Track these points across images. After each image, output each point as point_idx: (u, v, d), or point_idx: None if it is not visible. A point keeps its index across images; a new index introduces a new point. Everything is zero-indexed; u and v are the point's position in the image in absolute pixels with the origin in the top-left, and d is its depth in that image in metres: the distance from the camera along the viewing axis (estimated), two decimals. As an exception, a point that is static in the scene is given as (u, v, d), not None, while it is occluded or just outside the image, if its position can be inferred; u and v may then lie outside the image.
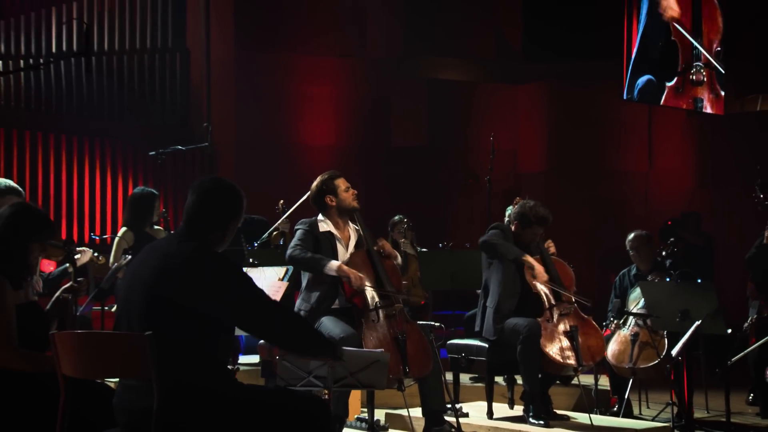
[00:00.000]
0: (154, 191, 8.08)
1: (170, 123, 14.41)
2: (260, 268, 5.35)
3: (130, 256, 6.87)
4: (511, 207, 7.59)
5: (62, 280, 6.32)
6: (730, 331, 6.94)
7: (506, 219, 7.37)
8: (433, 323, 6.32)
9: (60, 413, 3.77)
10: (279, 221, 8.35)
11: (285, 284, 5.07)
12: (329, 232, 6.03)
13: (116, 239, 7.62)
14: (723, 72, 13.78)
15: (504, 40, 16.52)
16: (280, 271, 5.20)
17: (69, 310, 4.71)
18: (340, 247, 6.07)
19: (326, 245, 5.96)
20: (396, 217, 9.07)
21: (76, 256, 6.35)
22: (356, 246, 6.11)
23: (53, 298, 4.68)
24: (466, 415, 6.66)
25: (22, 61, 13.19)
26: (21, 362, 4.12)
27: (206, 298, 3.68)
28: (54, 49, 13.47)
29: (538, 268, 6.59)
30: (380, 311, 5.72)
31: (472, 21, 16.35)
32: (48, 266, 7.39)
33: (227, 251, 7.73)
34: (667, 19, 13.01)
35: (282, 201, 8.50)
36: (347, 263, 5.85)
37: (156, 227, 7.88)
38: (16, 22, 13.21)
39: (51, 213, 13.09)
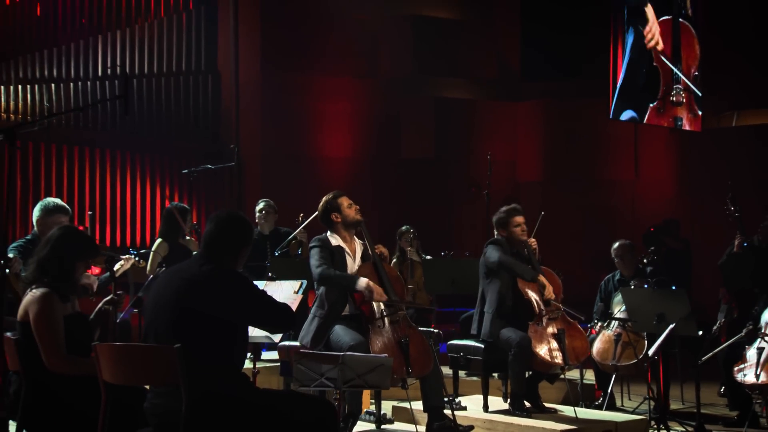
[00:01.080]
0: (186, 206, 8.08)
1: (203, 138, 14.50)
2: (278, 282, 5.33)
3: (164, 267, 6.90)
4: None
5: (109, 284, 6.23)
6: (701, 333, 6.94)
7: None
8: (432, 330, 6.31)
9: (101, 413, 3.87)
10: (296, 231, 8.33)
11: (300, 297, 5.09)
12: (339, 246, 6.03)
13: (152, 250, 7.65)
14: (700, 94, 13.77)
15: (504, 62, 16.52)
16: (295, 284, 5.19)
17: (110, 320, 4.81)
18: (348, 259, 6.07)
19: (338, 258, 5.96)
20: (403, 227, 9.05)
21: (117, 265, 6.47)
22: (363, 258, 6.12)
23: (96, 309, 4.73)
24: (465, 408, 6.66)
25: (72, 84, 13.35)
26: (68, 367, 4.21)
27: (223, 304, 3.83)
28: (100, 73, 13.57)
29: (549, 288, 6.60)
30: (385, 318, 5.75)
31: (474, 45, 16.33)
32: (94, 270, 7.56)
33: (252, 266, 7.85)
34: (650, 47, 13.05)
35: (302, 214, 8.43)
36: (356, 274, 5.90)
37: (188, 238, 7.87)
38: (66, 49, 13.36)
39: (96, 219, 13.24)
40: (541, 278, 6.61)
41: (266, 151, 14.89)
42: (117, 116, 13.56)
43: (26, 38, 13.13)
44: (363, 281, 5.73)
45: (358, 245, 6.18)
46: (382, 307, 5.80)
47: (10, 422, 4.59)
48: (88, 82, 13.46)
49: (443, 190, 15.61)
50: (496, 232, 6.96)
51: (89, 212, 12.28)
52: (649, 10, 13.10)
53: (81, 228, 12.23)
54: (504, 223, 6.91)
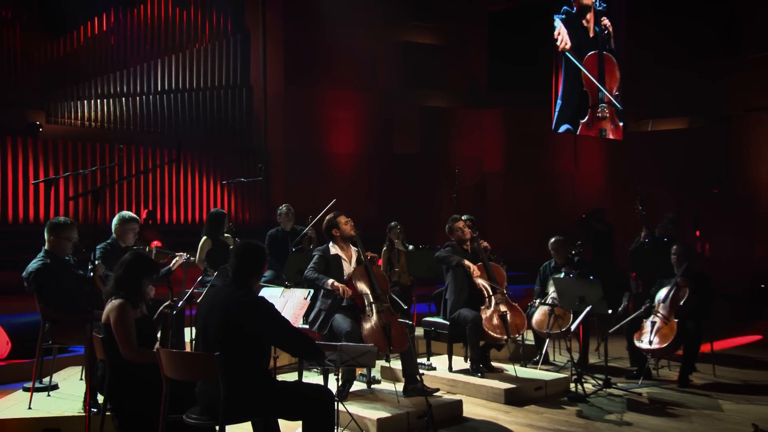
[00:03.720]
0: (224, 211, 8.00)
1: (239, 138, 14.61)
2: (291, 290, 5.30)
3: (209, 276, 6.98)
4: None
5: (169, 275, 6.31)
6: (610, 311, 6.94)
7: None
8: (408, 321, 6.22)
9: (163, 396, 4.04)
10: (307, 228, 8.27)
11: (308, 302, 5.09)
12: (337, 255, 6.08)
13: (199, 246, 7.57)
14: (621, 107, 13.88)
15: (473, 78, 16.58)
16: (304, 292, 5.20)
17: (169, 321, 4.82)
18: (345, 264, 6.03)
19: (335, 263, 6.01)
20: (392, 223, 8.90)
21: (173, 262, 6.49)
22: (357, 262, 6.13)
23: (158, 312, 4.74)
24: (434, 369, 6.80)
25: (138, 98, 13.50)
26: (138, 357, 4.30)
27: (253, 323, 3.97)
28: (159, 88, 13.74)
29: (472, 266, 6.59)
30: (373, 307, 5.80)
31: (450, 64, 16.38)
32: (155, 243, 7.43)
33: (278, 255, 7.85)
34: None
35: (310, 216, 8.37)
36: (351, 275, 5.94)
37: (226, 235, 7.78)
38: (134, 70, 13.51)
39: (158, 204, 13.48)
40: (465, 261, 6.60)
41: (288, 148, 15.01)
42: (173, 124, 13.79)
43: (103, 62, 13.28)
44: (329, 282, 5.79)
45: (354, 252, 6.18)
46: (371, 299, 5.83)
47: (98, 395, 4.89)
48: (151, 96, 13.64)
49: (426, 178, 15.71)
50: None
51: (149, 209, 12.52)
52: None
53: (146, 212, 12.46)
54: (450, 230, 7.00)
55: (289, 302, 4.98)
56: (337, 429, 4.57)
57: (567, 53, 12.84)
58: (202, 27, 14.28)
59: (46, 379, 5.83)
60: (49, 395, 5.64)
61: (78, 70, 12.99)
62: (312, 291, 5.26)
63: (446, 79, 16.36)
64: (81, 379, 6.05)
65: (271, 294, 4.88)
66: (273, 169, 14.68)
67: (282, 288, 5.19)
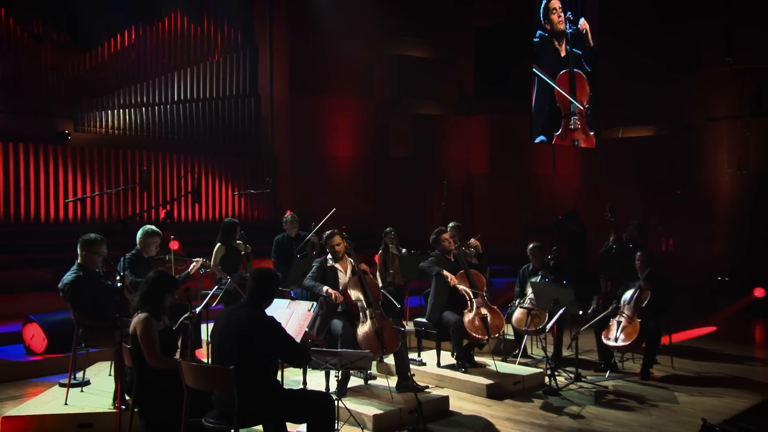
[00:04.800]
0: (236, 220, 7.99)
1: (248, 142, 14.65)
2: (297, 302, 5.28)
3: (228, 279, 7.00)
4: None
5: (188, 279, 6.40)
6: (581, 312, 7.10)
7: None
8: (400, 328, 6.19)
9: (184, 402, 4.17)
10: (310, 234, 8.30)
11: (311, 314, 5.10)
12: (333, 266, 6.15)
13: (214, 252, 7.62)
14: (593, 117, 13.95)
15: (461, 88, 16.61)
16: (308, 305, 5.19)
17: (189, 331, 4.92)
18: (340, 274, 6.15)
19: (331, 274, 6.13)
20: (387, 229, 8.91)
21: (191, 267, 6.59)
22: (352, 273, 6.19)
23: (179, 322, 4.81)
24: (425, 364, 6.90)
25: (157, 107, 13.56)
26: (162, 364, 4.42)
27: (264, 340, 4.11)
28: (176, 98, 13.79)
29: (450, 276, 6.69)
30: (367, 313, 5.93)
31: (441, 75, 16.41)
32: (174, 245, 7.27)
33: (284, 257, 7.94)
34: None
35: (312, 222, 8.41)
36: (346, 284, 6.04)
37: (238, 242, 7.78)
38: (153, 82, 13.56)
39: (174, 203, 13.53)
40: (443, 271, 6.69)
41: (292, 151, 15.06)
42: (188, 131, 13.85)
43: (125, 75, 13.33)
44: (324, 288, 5.93)
45: (349, 263, 6.29)
46: (365, 307, 5.95)
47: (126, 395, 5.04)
48: (168, 106, 13.70)
49: (418, 179, 15.78)
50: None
51: (167, 209, 12.50)
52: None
53: (164, 210, 12.44)
54: (435, 241, 7.07)
55: (295, 313, 5.05)
56: (338, 423, 4.72)
57: (539, 73, 12.95)
58: (214, 42, 14.32)
59: (79, 375, 6.01)
60: (82, 391, 5.80)
61: (102, 82, 13.05)
62: (315, 304, 5.35)
63: (437, 89, 16.39)
64: (110, 374, 6.22)
65: (277, 305, 4.97)
66: (279, 171, 14.78)
67: (288, 301, 5.24)
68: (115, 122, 13.11)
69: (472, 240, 7.69)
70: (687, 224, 13.93)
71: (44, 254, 10.31)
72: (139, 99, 13.39)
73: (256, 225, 13.61)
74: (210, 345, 4.38)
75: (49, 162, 12.06)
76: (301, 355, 4.35)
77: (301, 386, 5.93)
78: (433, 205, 15.20)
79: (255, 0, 15.07)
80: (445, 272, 6.75)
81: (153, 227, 6.66)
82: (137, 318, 4.55)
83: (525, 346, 7.79)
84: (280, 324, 4.27)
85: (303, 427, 4.42)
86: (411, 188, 15.58)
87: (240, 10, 14.80)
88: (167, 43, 13.77)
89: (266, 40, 15.08)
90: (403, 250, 8.77)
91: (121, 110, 13.16)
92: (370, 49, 15.50)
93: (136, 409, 4.57)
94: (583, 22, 13.76)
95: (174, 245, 7.30)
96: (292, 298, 5.77)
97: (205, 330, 6.71)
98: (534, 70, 13.04)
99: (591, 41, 13.99)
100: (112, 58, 13.22)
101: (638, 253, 7.50)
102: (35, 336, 7.33)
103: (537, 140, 13.24)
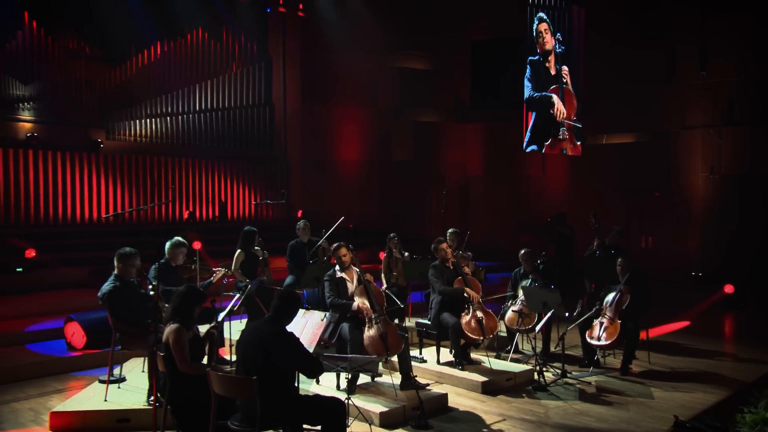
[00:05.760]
0: (254, 228, 7.96)
1: (263, 148, 14.75)
2: (311, 311, 5.30)
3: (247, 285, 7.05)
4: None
5: (209, 286, 6.43)
6: (567, 314, 7.14)
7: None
8: (404, 333, 6.21)
9: (212, 406, 4.24)
10: (321, 240, 8.36)
11: (324, 323, 5.16)
12: (341, 277, 6.20)
13: (234, 257, 7.64)
14: (580, 126, 13.98)
15: (458, 97, 16.61)
16: (321, 314, 5.24)
17: (214, 341, 4.91)
18: (348, 284, 6.21)
19: (342, 285, 6.20)
20: (391, 234, 8.84)
21: (214, 276, 6.66)
22: (358, 282, 6.24)
23: (205, 332, 4.83)
24: (425, 361, 6.94)
25: (181, 117, 13.65)
26: (191, 370, 4.47)
27: (284, 354, 4.20)
28: (197, 108, 13.89)
29: (474, 295, 6.73)
30: (373, 320, 5.98)
31: (439, 85, 16.41)
32: (197, 245, 7.41)
33: (298, 262, 8.02)
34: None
35: (323, 229, 8.45)
36: (353, 293, 6.11)
37: (256, 248, 7.81)
38: (177, 93, 13.66)
39: (197, 205, 13.65)
40: (468, 290, 6.73)
41: (304, 156, 15.15)
42: (210, 138, 13.94)
43: (151, 87, 13.42)
44: (355, 304, 6.02)
45: (355, 273, 6.35)
46: (371, 313, 6.02)
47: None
48: (191, 115, 13.80)
49: (419, 181, 15.78)
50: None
51: (190, 210, 12.58)
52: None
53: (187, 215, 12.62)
54: (435, 249, 7.10)
55: (309, 323, 5.13)
56: (348, 419, 4.82)
57: (531, 91, 13.03)
58: (232, 56, 14.38)
59: (116, 371, 6.10)
60: (119, 387, 5.92)
61: (132, 94, 13.16)
62: (328, 314, 5.43)
63: (436, 99, 16.41)
64: (143, 371, 6.31)
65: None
66: (292, 173, 14.87)
67: (303, 310, 5.31)
68: (143, 131, 13.22)
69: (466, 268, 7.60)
70: (664, 224, 14.03)
71: (81, 253, 10.44)
72: (164, 109, 13.48)
73: (270, 224, 13.71)
74: (235, 353, 4.44)
75: (83, 168, 12.18)
76: (315, 368, 4.44)
77: (315, 386, 6.02)
78: (431, 204, 15.25)
79: (269, 17, 15.13)
80: (469, 290, 6.78)
81: (180, 239, 6.70)
82: (169, 328, 4.62)
83: (516, 342, 7.84)
84: (298, 339, 4.36)
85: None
86: (412, 189, 15.64)
87: (255, 26, 14.87)
88: (190, 57, 13.86)
89: (280, 53, 15.14)
90: (406, 254, 8.81)
91: (148, 120, 13.26)
92: (374, 62, 15.56)
93: (169, 407, 4.64)
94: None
95: (197, 245, 7.42)
96: (306, 300, 5.81)
97: (228, 328, 6.84)
98: (526, 88, 13.08)
99: (577, 58, 14.03)
100: (140, 72, 13.30)
101: (619, 260, 7.53)
102: (75, 333, 7.46)
103: (529, 149, 13.32)
